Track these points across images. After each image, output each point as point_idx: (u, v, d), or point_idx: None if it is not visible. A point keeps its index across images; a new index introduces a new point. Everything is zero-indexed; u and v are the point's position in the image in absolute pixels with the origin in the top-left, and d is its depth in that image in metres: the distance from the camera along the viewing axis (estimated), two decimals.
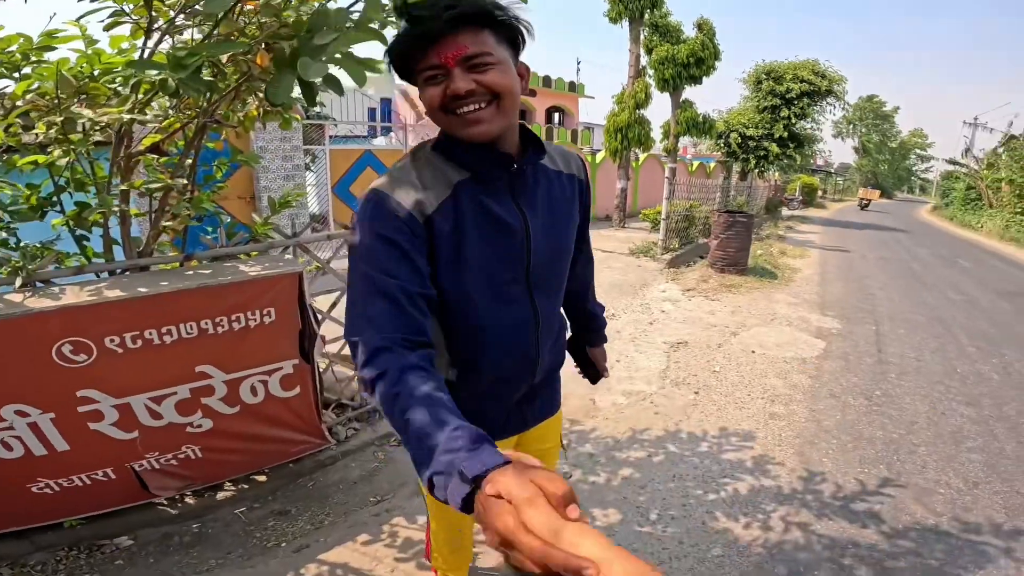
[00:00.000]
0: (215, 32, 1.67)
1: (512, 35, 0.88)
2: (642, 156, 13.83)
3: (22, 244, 1.91)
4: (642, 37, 11.52)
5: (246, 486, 2.35)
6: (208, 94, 1.73)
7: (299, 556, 1.98)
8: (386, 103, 20.17)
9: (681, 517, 2.28)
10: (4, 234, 1.89)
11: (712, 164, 18.82)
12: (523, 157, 0.96)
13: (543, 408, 1.26)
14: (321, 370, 2.58)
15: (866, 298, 6.48)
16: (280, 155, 6.46)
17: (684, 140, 18.78)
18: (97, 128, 1.64)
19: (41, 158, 1.70)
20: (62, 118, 1.56)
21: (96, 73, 1.75)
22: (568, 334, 1.36)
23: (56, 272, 1.83)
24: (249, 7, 1.64)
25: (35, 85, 1.70)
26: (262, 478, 2.39)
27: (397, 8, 0.84)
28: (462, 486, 0.56)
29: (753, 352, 4.31)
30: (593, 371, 1.48)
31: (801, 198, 25.17)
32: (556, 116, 24.84)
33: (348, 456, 2.62)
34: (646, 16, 11.28)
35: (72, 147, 1.67)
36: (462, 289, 0.95)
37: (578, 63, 33.79)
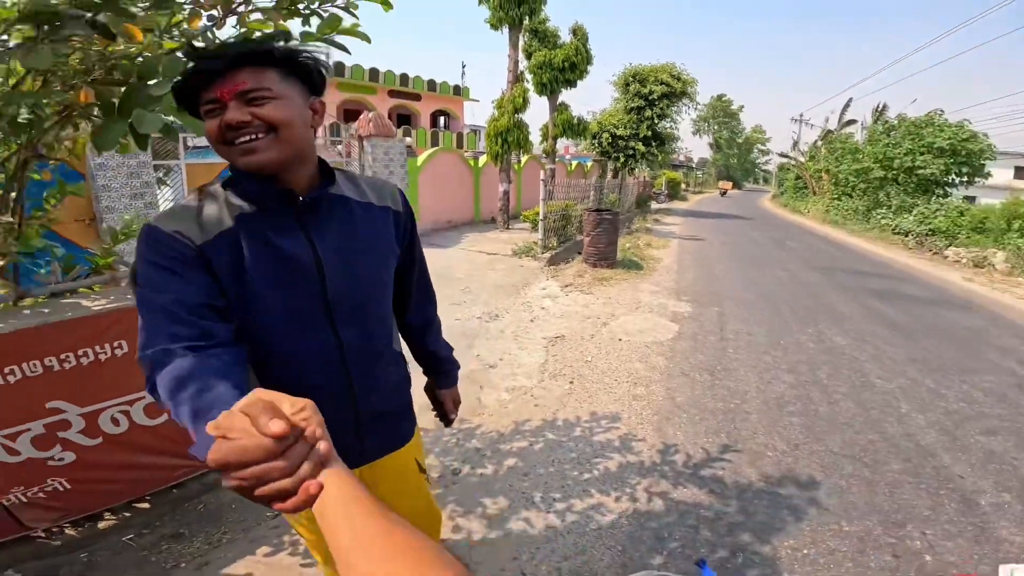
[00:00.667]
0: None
1: (304, 74, 0.94)
2: (524, 159, 14.41)
3: None
4: (521, 43, 11.99)
5: (128, 514, 2.28)
6: (28, 132, 1.66)
7: (201, 572, 1.98)
8: None
9: (562, 497, 2.53)
10: None
11: (589, 163, 20.02)
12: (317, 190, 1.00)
13: (387, 440, 1.28)
14: None
15: (713, 281, 7.46)
16: (125, 172, 5.85)
17: (564, 141, 19.83)
18: None
19: None
20: None
21: None
22: (424, 374, 1.45)
23: None
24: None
25: None
26: (144, 505, 2.32)
27: (186, 52, 0.92)
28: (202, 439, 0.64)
29: (620, 340, 4.81)
30: (443, 413, 1.49)
31: (667, 192, 27.76)
32: (441, 120, 24.85)
33: None
34: (525, 22, 11.74)
35: None
36: (256, 321, 0.98)
37: (463, 67, 34.00)
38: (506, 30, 11.57)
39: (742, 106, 55.85)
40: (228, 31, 1.84)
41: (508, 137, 11.29)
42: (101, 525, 2.21)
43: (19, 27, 1.42)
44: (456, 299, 6.01)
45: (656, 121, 16.77)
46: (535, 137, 13.06)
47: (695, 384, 3.91)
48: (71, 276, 2.23)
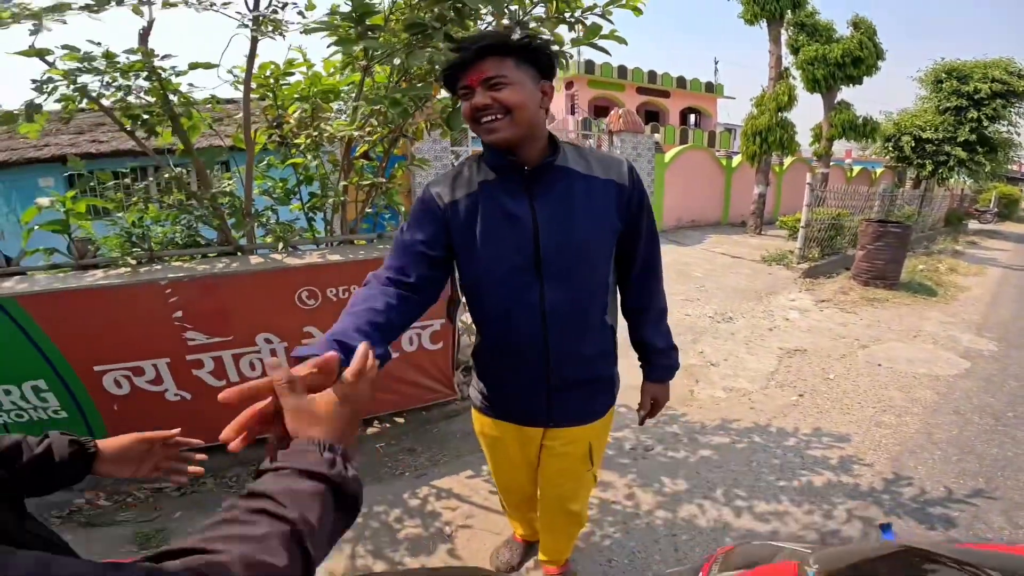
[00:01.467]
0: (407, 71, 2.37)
1: (536, 60, 1.09)
2: (787, 160, 12.97)
3: (279, 221, 2.81)
4: (784, 37, 11.01)
5: (388, 425, 2.95)
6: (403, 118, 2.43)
7: (418, 481, 2.50)
8: None
9: (747, 496, 2.44)
10: (269, 213, 2.80)
11: (879, 170, 16.85)
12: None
13: (573, 413, 1.34)
14: (460, 332, 3.22)
15: None
16: (432, 155, 7.51)
17: (846, 144, 17.02)
18: (335, 140, 2.41)
19: (299, 160, 2.54)
20: (316, 132, 2.34)
21: (314, 91, 2.54)
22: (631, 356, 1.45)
23: (300, 240, 2.68)
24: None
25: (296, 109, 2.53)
26: (401, 419, 2.98)
27: (446, 43, 1.24)
28: None
29: (879, 365, 4.15)
30: (639, 409, 1.46)
31: (996, 210, 21.23)
32: (692, 117, 23.93)
33: (468, 411, 3.21)
34: (788, 16, 10.78)
35: (318, 153, 2.49)
36: (478, 269, 1.19)
37: (716, 63, 32.18)
38: (764, 24, 10.69)
39: None
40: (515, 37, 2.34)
41: (768, 137, 10.41)
42: (368, 431, 2.88)
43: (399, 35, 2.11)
44: (690, 296, 5.97)
45: (985, 123, 13.12)
46: (804, 138, 11.64)
47: (967, 424, 3.20)
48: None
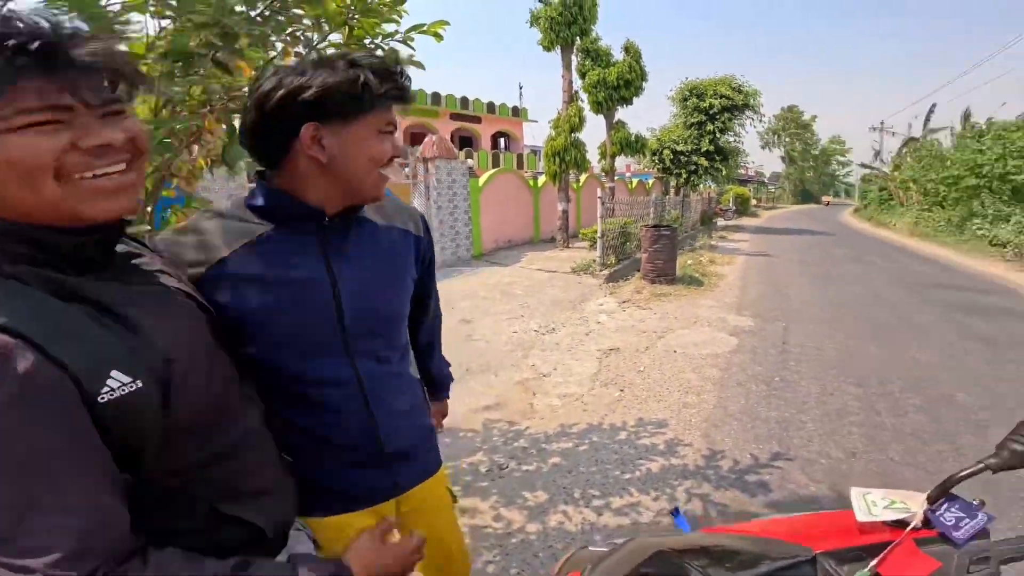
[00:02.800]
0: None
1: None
2: (583, 178, 14.58)
3: None
4: (574, 63, 12.27)
5: None
6: (166, 154, 2.04)
7: None
8: None
9: (601, 495, 2.61)
10: None
11: (651, 181, 19.88)
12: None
13: (416, 470, 1.23)
14: None
15: (781, 298, 7.20)
16: (224, 195, 6.65)
17: (625, 159, 19.84)
18: None
19: None
20: None
21: None
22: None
23: None
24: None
25: None
26: None
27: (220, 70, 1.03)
28: None
29: (675, 352, 4.81)
30: None
31: (735, 208, 26.84)
32: (502, 141, 25.59)
33: None
34: (577, 42, 12.01)
35: None
36: (267, 356, 0.96)
37: (520, 88, 35.00)
38: (559, 51, 11.86)
39: (815, 116, 53.38)
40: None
41: (565, 156, 11.50)
42: None
43: (160, 63, 1.79)
44: (515, 313, 6.23)
45: (718, 135, 16.48)
46: (593, 156, 13.20)
47: (750, 394, 3.86)
48: None
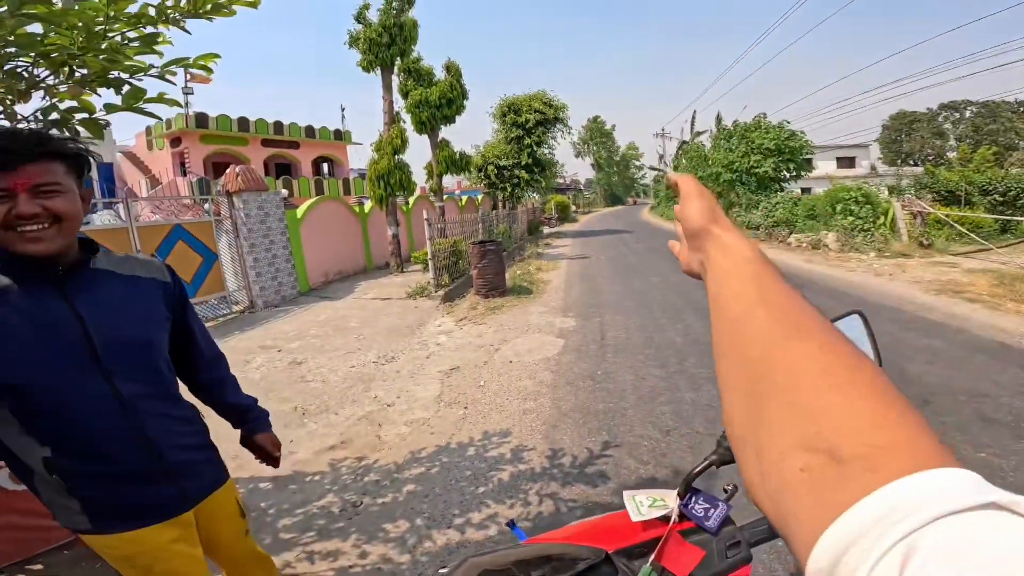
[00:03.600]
0: None
1: (79, 166, 1.09)
2: (412, 199, 14.56)
3: None
4: (396, 83, 12.10)
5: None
6: None
7: None
8: (105, 169, 17.14)
9: (461, 512, 2.67)
10: None
11: (480, 197, 20.63)
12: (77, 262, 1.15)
13: (204, 480, 1.39)
14: None
15: (596, 295, 8.08)
16: None
17: (455, 178, 20.32)
18: None
19: None
20: None
21: None
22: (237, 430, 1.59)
23: None
24: None
25: None
26: (37, 566, 2.31)
27: None
28: None
29: (511, 362, 5.10)
30: (268, 457, 1.61)
31: (557, 215, 29.31)
32: (325, 166, 24.29)
33: None
34: (397, 63, 11.87)
35: None
36: (25, 391, 1.08)
37: (343, 110, 33.56)
38: (379, 72, 11.66)
39: (614, 125, 59.94)
40: (35, 103, 1.91)
41: (390, 179, 11.33)
42: None
43: None
44: (351, 347, 6.00)
45: (535, 148, 17.84)
46: (420, 176, 13.28)
47: (579, 391, 4.25)
48: None
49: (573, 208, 39.56)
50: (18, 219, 0.98)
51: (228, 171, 8.69)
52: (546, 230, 23.01)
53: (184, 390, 1.44)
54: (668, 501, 0.91)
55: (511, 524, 1.31)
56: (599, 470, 3.03)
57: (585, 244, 16.92)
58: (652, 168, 38.83)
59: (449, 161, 13.27)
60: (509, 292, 8.35)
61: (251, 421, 1.58)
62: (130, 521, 1.27)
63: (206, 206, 8.64)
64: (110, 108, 1.89)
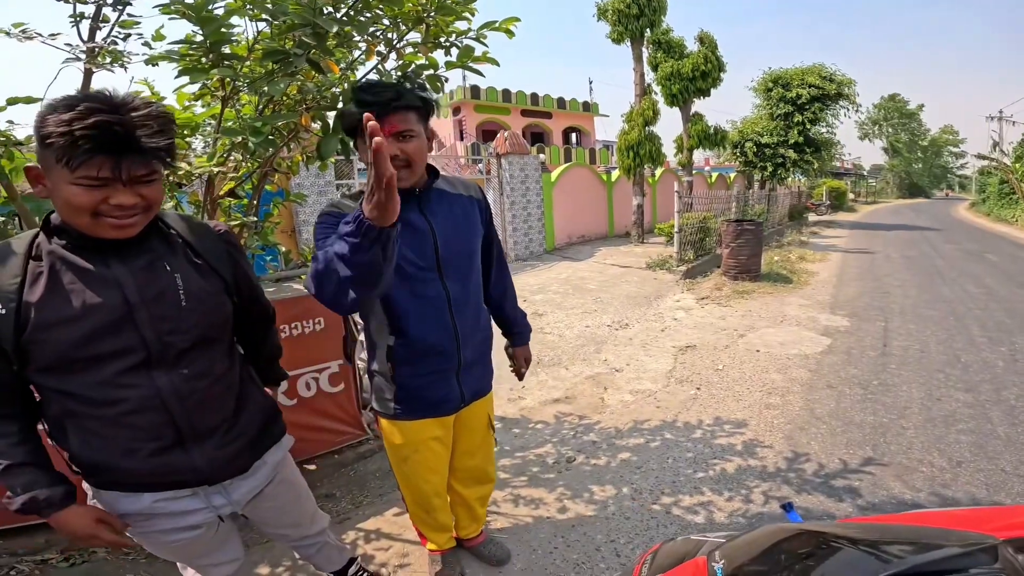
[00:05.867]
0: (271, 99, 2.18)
1: (428, 112, 1.32)
2: (658, 172, 14.11)
3: None
4: (645, 55, 11.93)
5: None
6: (270, 149, 2.23)
7: (341, 526, 2.34)
8: None
9: (671, 492, 2.53)
10: None
11: (732, 175, 18.92)
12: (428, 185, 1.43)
13: (476, 387, 1.63)
14: (360, 372, 3.01)
15: (881, 296, 6.59)
16: (315, 191, 7.11)
17: (704, 153, 19.04)
18: (194, 177, 2.14)
19: None
20: (170, 171, 2.05)
21: None
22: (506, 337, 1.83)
23: None
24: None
25: None
26: (312, 467, 2.78)
27: (356, 91, 1.29)
28: None
29: (758, 351, 4.54)
30: (516, 367, 1.85)
31: (828, 203, 24.85)
32: (573, 136, 25.34)
33: (382, 450, 3.01)
34: (647, 35, 11.68)
35: (175, 193, 2.20)
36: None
37: (590, 83, 34.37)
38: (628, 43, 11.56)
39: (921, 105, 48.16)
40: (391, 63, 2.30)
41: (640, 150, 11.18)
42: None
43: (260, 64, 1.96)
44: (588, 308, 6.16)
45: (808, 126, 15.34)
46: (669, 149, 12.74)
47: (842, 397, 3.57)
48: (290, 267, 2.87)
49: (851, 196, 33.13)
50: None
51: (499, 135, 9.75)
52: (812, 217, 19.77)
53: None
54: None
55: (787, 507, 1.12)
56: (849, 485, 2.54)
57: (868, 237, 13.98)
58: (980, 156, 29.55)
59: (702, 135, 12.44)
60: (762, 278, 7.43)
61: (517, 334, 1.81)
62: (421, 410, 1.55)
63: (479, 166, 9.84)
64: (449, 65, 2.23)
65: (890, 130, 48.61)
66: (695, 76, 11.75)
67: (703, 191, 12.36)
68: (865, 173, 54.63)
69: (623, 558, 2.09)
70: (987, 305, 6.05)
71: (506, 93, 21.23)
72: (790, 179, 17.81)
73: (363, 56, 2.22)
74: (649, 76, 12.01)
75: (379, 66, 2.20)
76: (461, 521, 1.99)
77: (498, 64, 2.22)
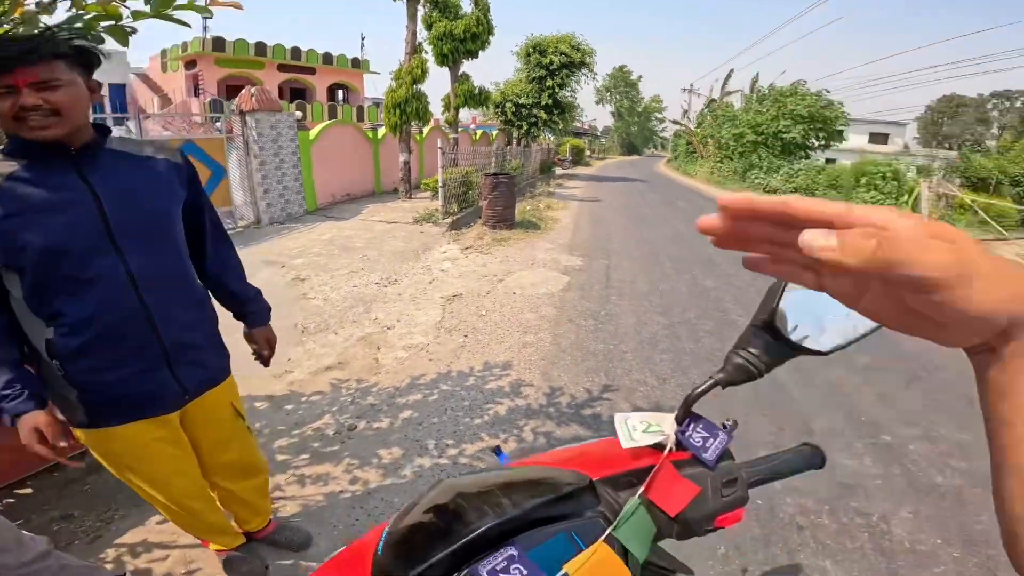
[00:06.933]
0: None
1: (88, 61, 1.18)
2: (426, 129, 14.21)
3: None
4: (421, 14, 11.74)
5: (11, 500, 2.16)
6: None
7: (93, 547, 1.94)
8: (117, 90, 17.42)
9: (455, 443, 2.64)
10: None
11: (495, 132, 20.12)
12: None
13: (201, 375, 1.42)
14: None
15: (605, 238, 7.97)
16: None
17: (471, 112, 19.68)
18: None
19: None
20: None
21: None
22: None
23: None
24: None
25: None
26: (27, 490, 2.21)
27: None
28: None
29: (514, 294, 5.07)
30: (259, 352, 1.65)
31: (571, 158, 28.59)
32: (340, 93, 23.70)
33: None
34: None
35: None
36: (39, 259, 1.15)
37: (362, 39, 32.44)
38: (404, 1, 11.27)
39: (640, 76, 57.86)
40: (61, 14, 1.82)
41: (407, 108, 11.09)
42: None
43: None
44: (355, 268, 5.97)
45: (557, 90, 17.23)
46: (436, 108, 12.92)
47: (580, 329, 4.23)
48: None
49: (588, 153, 38.61)
50: (22, 111, 1.08)
51: (243, 91, 8.51)
52: (558, 171, 22.51)
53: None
54: (664, 427, 0.79)
55: (496, 451, 1.27)
56: (595, 412, 3.00)
57: (597, 188, 16.59)
58: (675, 123, 37.41)
59: (468, 95, 12.93)
60: (517, 226, 8.24)
61: (251, 313, 1.60)
62: (123, 413, 1.31)
63: (218, 124, 8.45)
64: (137, 15, 1.82)
65: (617, 96, 57.41)
66: (466, 38, 11.99)
67: (467, 147, 12.90)
68: (599, 133, 64.04)
69: None
70: (675, 242, 7.85)
71: (260, 46, 18.58)
72: (541, 137, 19.85)
73: (8, 8, 1.67)
74: (422, 35, 11.83)
75: (36, 18, 1.69)
76: (241, 516, 1.81)
77: (210, 14, 1.90)
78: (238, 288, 1.58)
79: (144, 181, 1.27)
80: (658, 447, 0.78)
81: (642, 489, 0.71)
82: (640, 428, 0.79)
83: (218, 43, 17.57)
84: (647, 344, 3.99)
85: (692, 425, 0.79)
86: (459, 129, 14.15)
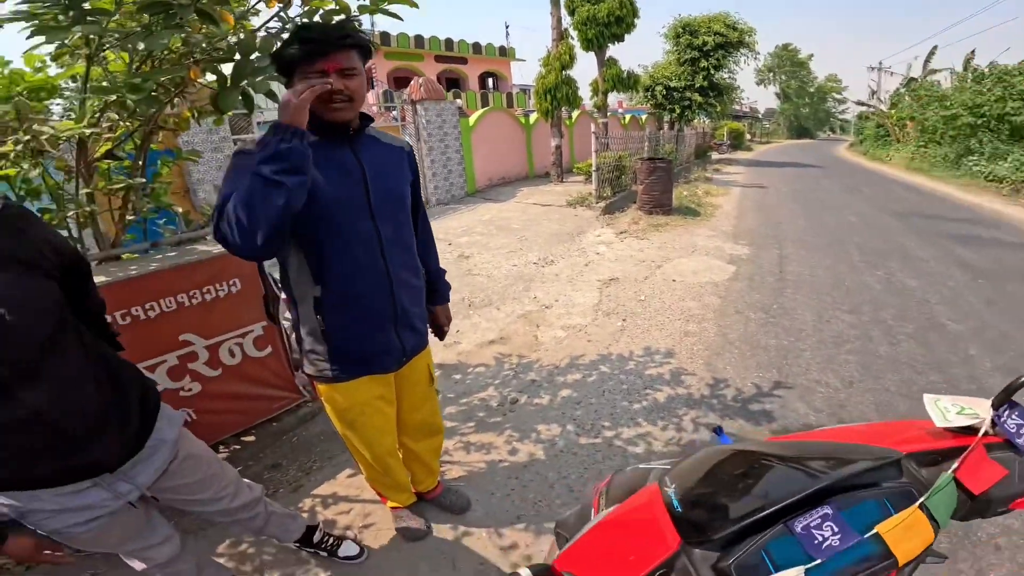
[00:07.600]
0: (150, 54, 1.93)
1: (366, 52, 1.34)
2: (575, 114, 14.22)
3: None
4: (563, 0, 11.76)
5: (238, 447, 2.55)
6: (154, 106, 1.98)
7: (295, 495, 2.23)
8: None
9: (611, 425, 2.65)
10: None
11: (644, 116, 19.44)
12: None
13: (414, 340, 1.58)
14: (287, 331, 2.83)
15: (775, 226, 7.23)
16: (209, 147, 6.40)
17: (618, 96, 19.25)
18: (60, 141, 1.85)
19: (12, 171, 1.90)
20: (28, 136, 1.75)
21: (16, 92, 1.97)
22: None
23: None
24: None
25: None
26: (250, 438, 2.61)
27: (298, 31, 1.26)
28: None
29: (674, 281, 4.86)
30: (436, 326, 1.82)
31: (729, 142, 26.42)
32: (490, 81, 24.79)
33: (322, 412, 2.86)
34: None
35: (38, 160, 1.89)
36: (315, 217, 1.32)
37: (507, 28, 33.51)
38: None
39: (811, 55, 51.79)
40: (295, 10, 2.13)
41: (556, 93, 11.22)
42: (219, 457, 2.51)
43: (134, 18, 1.73)
44: (513, 247, 6.21)
45: (712, 72, 16.06)
46: (585, 93, 12.84)
47: (748, 322, 3.92)
48: (191, 229, 2.58)
49: (748, 137, 35.36)
50: (332, 95, 1.25)
51: (412, 82, 9.33)
52: (715, 156, 20.97)
53: None
54: (979, 411, 0.82)
55: (718, 431, 1.25)
56: (764, 409, 2.78)
57: (761, 174, 15.10)
58: (859, 103, 32.47)
59: (616, 79, 12.71)
60: (674, 211, 7.87)
61: (439, 291, 1.77)
62: (359, 366, 1.50)
63: (393, 113, 9.34)
64: (363, 9, 2.10)
65: (783, 77, 51.79)
66: (610, 21, 11.79)
67: (618, 132, 12.65)
68: (760, 116, 58.31)
69: (576, 492, 2.18)
70: (864, 232, 6.84)
71: (419, 39, 20.20)
72: (696, 120, 18.64)
73: (260, 4, 2.01)
74: (566, 20, 11.88)
75: (282, 13, 2.00)
76: (417, 476, 2.00)
77: (416, 6, 2.13)
78: (434, 266, 1.75)
79: (392, 164, 1.46)
80: (966, 430, 0.82)
81: (956, 465, 0.76)
82: (954, 410, 0.84)
83: (384, 38, 19.21)
84: (830, 343, 3.56)
85: (1009, 412, 0.80)
86: (608, 113, 13.90)
